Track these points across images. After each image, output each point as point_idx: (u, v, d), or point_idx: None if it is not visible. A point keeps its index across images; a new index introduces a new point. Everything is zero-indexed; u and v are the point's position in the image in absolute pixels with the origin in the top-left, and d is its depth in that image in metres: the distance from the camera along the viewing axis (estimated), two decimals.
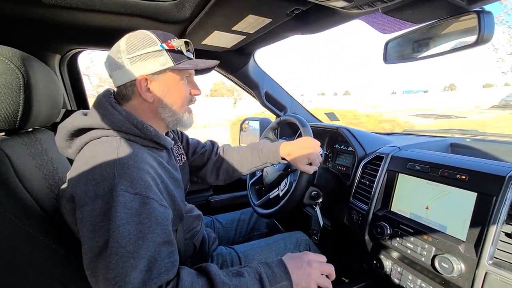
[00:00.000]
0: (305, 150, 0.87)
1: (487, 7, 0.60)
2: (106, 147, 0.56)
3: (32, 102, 0.67)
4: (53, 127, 1.16)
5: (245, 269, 0.58)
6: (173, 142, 0.73)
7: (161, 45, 0.62)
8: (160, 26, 0.90)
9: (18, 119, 0.65)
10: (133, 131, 0.61)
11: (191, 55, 0.68)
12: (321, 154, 0.90)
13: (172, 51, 0.63)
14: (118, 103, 0.65)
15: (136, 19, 0.87)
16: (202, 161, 0.98)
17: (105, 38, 1.06)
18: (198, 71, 0.74)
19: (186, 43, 0.66)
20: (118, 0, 0.79)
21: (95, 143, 0.58)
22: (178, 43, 0.63)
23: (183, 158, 0.88)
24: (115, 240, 0.48)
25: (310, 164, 0.88)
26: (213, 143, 1.03)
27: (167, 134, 0.78)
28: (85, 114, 0.63)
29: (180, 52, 0.64)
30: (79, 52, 1.22)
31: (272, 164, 0.96)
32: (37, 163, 0.71)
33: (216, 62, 0.72)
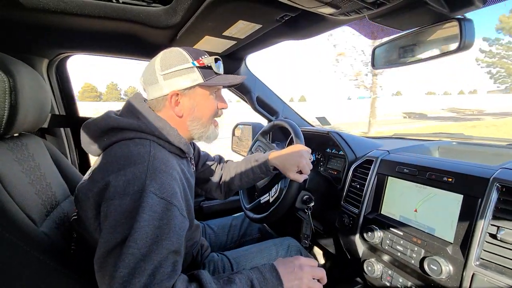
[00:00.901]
0: (294, 159, 0.87)
1: (468, 15, 0.62)
2: (140, 148, 0.59)
3: (18, 106, 0.66)
4: (41, 132, 1.14)
5: (237, 275, 0.58)
6: (192, 151, 0.76)
7: (192, 63, 0.66)
8: (151, 31, 0.90)
9: (3, 124, 0.63)
10: (164, 137, 0.64)
11: (221, 69, 0.71)
12: (312, 160, 0.90)
13: (202, 68, 0.67)
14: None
15: (126, 24, 0.87)
16: (209, 174, 1.00)
17: (94, 42, 1.05)
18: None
19: (216, 60, 0.69)
20: (108, 5, 0.79)
21: (127, 143, 0.60)
22: (208, 61, 0.67)
23: (193, 168, 0.89)
24: (134, 240, 0.48)
25: (300, 172, 0.88)
26: (220, 158, 1.06)
27: None
28: (119, 115, 0.65)
29: (210, 68, 0.68)
30: (68, 57, 1.20)
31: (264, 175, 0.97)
32: (24, 168, 0.70)
33: (243, 77, 0.76)
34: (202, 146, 0.99)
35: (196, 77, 0.66)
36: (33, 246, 0.58)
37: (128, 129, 0.62)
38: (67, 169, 0.89)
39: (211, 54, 1.19)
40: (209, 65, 0.67)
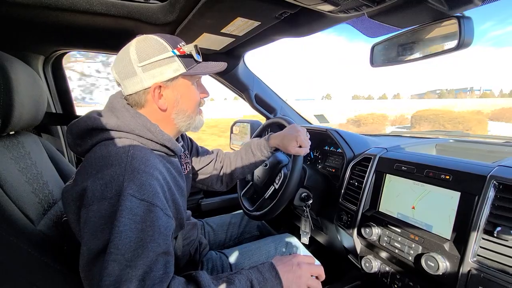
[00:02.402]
0: (292, 134, 0.91)
1: (467, 13, 0.62)
2: (118, 148, 0.56)
3: (14, 104, 0.65)
4: (37, 130, 1.13)
5: (236, 276, 0.57)
6: (182, 149, 0.73)
7: (172, 51, 0.61)
8: (148, 28, 0.89)
9: None
10: (146, 135, 0.61)
11: (199, 58, 0.67)
12: (310, 156, 0.91)
13: (183, 56, 0.63)
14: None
15: (123, 21, 0.86)
16: (210, 169, 1.00)
17: (91, 39, 1.04)
18: None
19: (195, 47, 0.65)
20: (105, 1, 0.78)
21: (107, 143, 0.58)
22: (188, 48, 0.63)
23: (188, 167, 0.88)
24: (115, 246, 0.46)
25: (300, 147, 0.91)
26: (219, 152, 1.05)
27: (177, 140, 0.78)
28: (99, 115, 0.62)
29: (191, 56, 0.64)
30: (64, 53, 1.19)
31: (265, 162, 1.00)
32: (20, 167, 0.69)
33: (224, 64, 0.72)
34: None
35: (178, 67, 0.62)
36: (30, 245, 0.58)
37: (107, 129, 0.59)
38: (64, 167, 0.89)
39: (209, 51, 1.19)
40: (190, 53, 0.63)
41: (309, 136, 0.95)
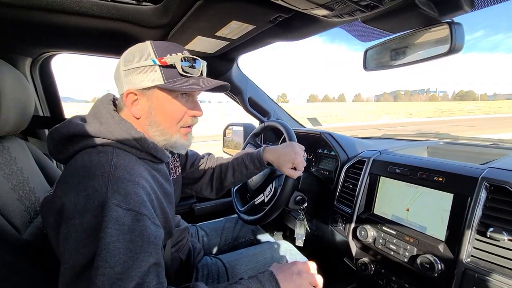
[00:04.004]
0: (289, 155, 0.86)
1: (456, 19, 0.64)
2: (101, 157, 0.53)
3: (0, 108, 0.62)
4: (23, 134, 1.09)
5: (235, 286, 0.56)
6: (170, 155, 0.70)
7: (153, 60, 0.58)
8: (141, 30, 0.88)
9: None
10: (130, 142, 0.58)
11: (193, 71, 0.62)
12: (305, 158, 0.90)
13: (167, 67, 0.59)
14: (117, 111, 0.63)
15: (115, 23, 0.84)
16: (199, 174, 0.96)
17: (81, 41, 1.01)
18: None
19: (185, 59, 0.61)
20: (96, 2, 0.76)
21: (89, 151, 0.55)
22: (172, 60, 0.59)
23: (178, 171, 0.85)
24: (103, 259, 0.43)
25: (295, 168, 0.88)
26: (210, 156, 1.02)
27: None
28: (83, 120, 0.59)
29: (174, 68, 0.60)
30: (52, 56, 1.15)
31: (258, 171, 0.96)
32: (5, 173, 0.66)
33: (218, 82, 0.65)
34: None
35: (156, 78, 0.59)
36: (16, 255, 0.55)
37: (89, 135, 0.56)
38: (52, 173, 0.86)
39: (202, 54, 1.18)
40: (174, 65, 0.59)
41: (305, 156, 0.90)
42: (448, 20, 0.62)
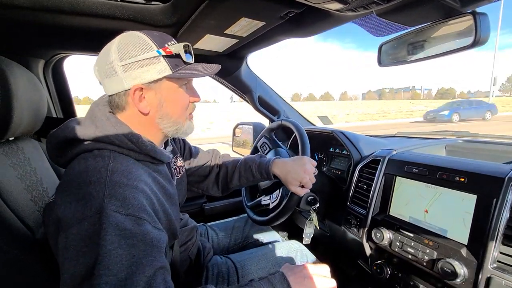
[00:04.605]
0: (298, 173, 0.81)
1: (479, 9, 0.60)
2: (97, 162, 0.52)
3: (13, 109, 0.63)
4: (37, 135, 1.11)
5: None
6: (171, 155, 0.68)
7: (157, 51, 0.56)
8: (150, 29, 0.86)
9: None
10: (127, 145, 0.56)
11: (190, 58, 0.62)
12: (314, 159, 0.87)
13: (169, 57, 0.57)
14: (113, 113, 0.60)
15: (125, 23, 0.84)
16: (205, 172, 0.95)
17: (92, 42, 1.02)
18: None
19: (185, 46, 0.60)
20: (106, 3, 0.76)
21: (86, 156, 0.53)
22: (176, 48, 0.57)
23: (182, 170, 0.83)
24: (105, 267, 0.42)
25: (302, 186, 0.83)
26: (215, 153, 1.00)
27: (166, 144, 0.74)
28: (79, 124, 0.58)
29: (179, 57, 0.59)
30: (64, 57, 1.17)
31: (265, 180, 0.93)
32: (19, 174, 0.67)
33: (218, 66, 0.66)
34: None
35: (163, 68, 0.56)
36: (30, 256, 0.56)
37: (85, 140, 0.55)
38: None
39: (211, 53, 1.17)
40: (177, 53, 0.58)
41: (316, 172, 0.86)
42: (472, 11, 0.58)
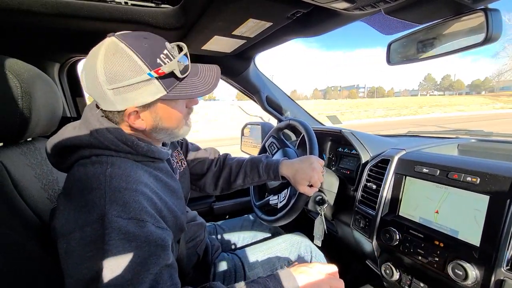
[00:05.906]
0: (306, 173, 0.81)
1: (491, 5, 0.59)
2: (96, 168, 0.52)
3: (31, 111, 0.66)
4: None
5: (253, 285, 0.55)
6: (170, 151, 0.69)
7: (148, 74, 0.51)
8: (159, 32, 0.89)
9: (16, 129, 0.63)
10: (123, 149, 0.56)
11: (186, 60, 0.58)
12: (322, 158, 0.86)
13: (163, 77, 0.54)
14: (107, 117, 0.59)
15: (135, 26, 0.86)
16: (201, 169, 0.94)
17: None
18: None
19: (180, 49, 0.58)
20: (116, 7, 0.78)
21: (85, 163, 0.54)
22: (170, 67, 0.53)
23: (184, 163, 0.84)
24: (111, 271, 0.43)
25: (311, 186, 0.83)
26: (214, 151, 1.00)
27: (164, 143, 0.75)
28: (74, 129, 0.58)
29: (173, 74, 0.55)
30: (78, 60, 1.21)
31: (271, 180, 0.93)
32: (36, 173, 0.70)
33: (218, 75, 0.64)
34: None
35: (156, 90, 0.53)
36: (48, 252, 0.58)
37: (81, 146, 0.55)
38: None
39: (219, 54, 1.18)
40: (171, 71, 0.54)
41: (324, 172, 0.86)
42: (483, 7, 0.57)
